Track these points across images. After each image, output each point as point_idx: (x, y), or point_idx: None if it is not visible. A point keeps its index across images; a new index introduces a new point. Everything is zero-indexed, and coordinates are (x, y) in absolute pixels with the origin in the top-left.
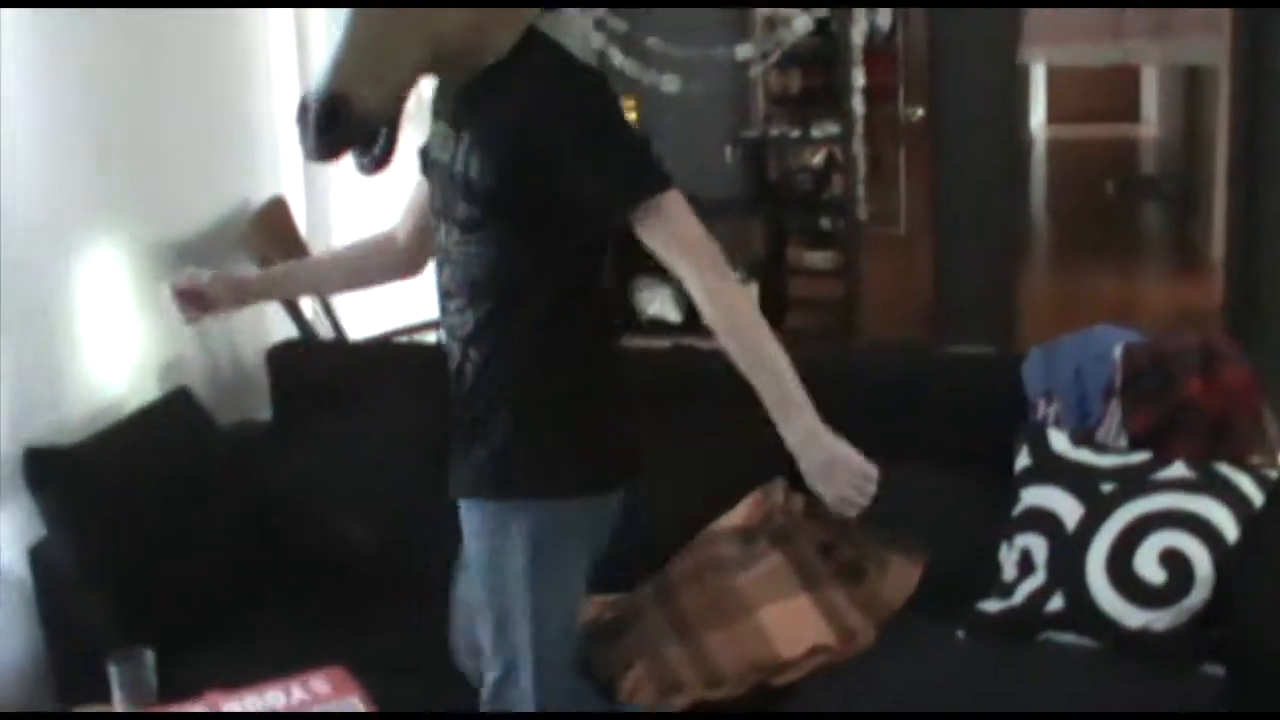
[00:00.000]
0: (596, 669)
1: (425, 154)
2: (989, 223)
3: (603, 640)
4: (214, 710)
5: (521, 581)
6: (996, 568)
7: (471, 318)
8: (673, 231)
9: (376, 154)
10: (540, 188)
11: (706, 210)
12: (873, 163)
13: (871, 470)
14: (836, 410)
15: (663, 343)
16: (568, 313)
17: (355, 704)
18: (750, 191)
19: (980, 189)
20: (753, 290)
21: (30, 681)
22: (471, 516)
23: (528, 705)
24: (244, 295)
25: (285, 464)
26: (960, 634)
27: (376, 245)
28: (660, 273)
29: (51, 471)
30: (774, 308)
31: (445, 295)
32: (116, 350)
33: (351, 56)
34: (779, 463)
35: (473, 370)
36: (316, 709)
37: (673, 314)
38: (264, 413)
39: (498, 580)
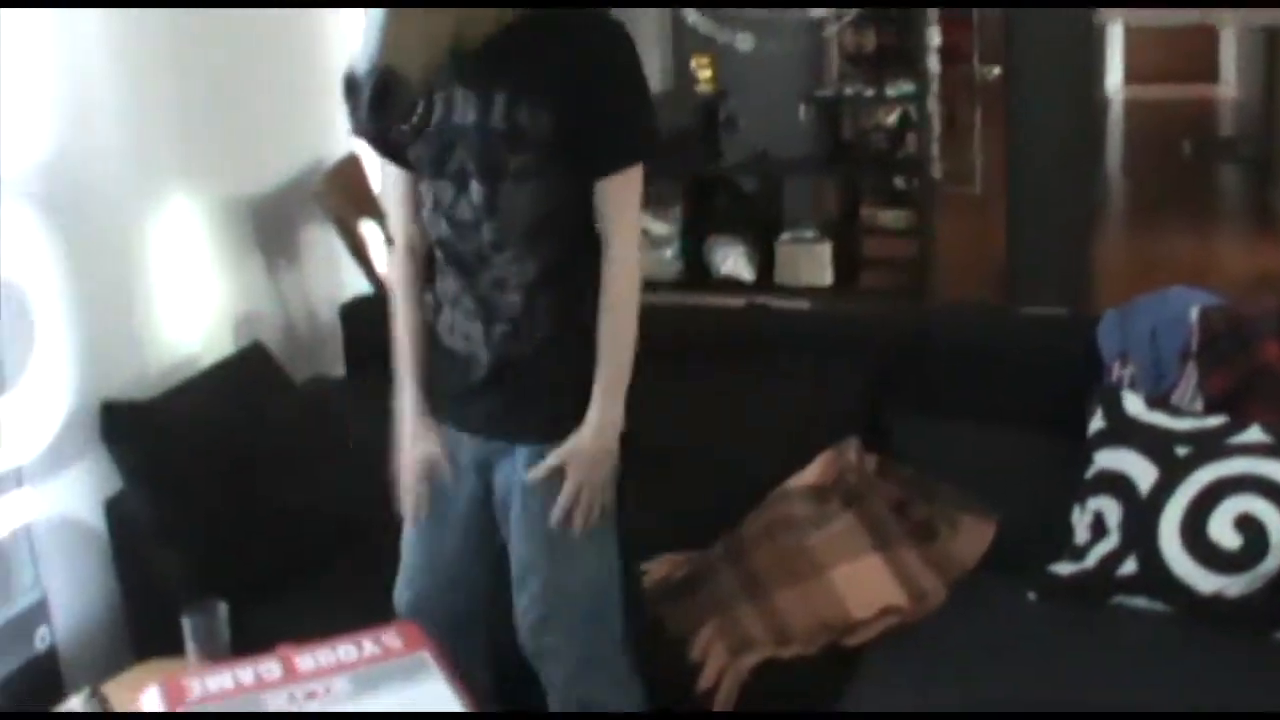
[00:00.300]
0: (667, 627)
1: (415, 128)
2: (1064, 183)
3: (674, 598)
4: (285, 661)
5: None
6: (1069, 530)
7: (534, 265)
8: (630, 199)
9: (415, 124)
10: (585, 131)
11: (780, 169)
12: (947, 122)
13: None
14: (909, 371)
15: (735, 301)
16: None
17: (426, 659)
18: (824, 150)
19: (1056, 149)
20: (825, 250)
21: (106, 634)
22: (533, 458)
23: (606, 630)
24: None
25: (359, 419)
26: (1031, 596)
27: (416, 276)
28: (733, 231)
29: (127, 426)
30: (847, 267)
31: (488, 250)
32: (192, 305)
33: (397, 30)
34: (852, 422)
35: (546, 313)
36: (388, 664)
37: (745, 272)
38: (338, 368)
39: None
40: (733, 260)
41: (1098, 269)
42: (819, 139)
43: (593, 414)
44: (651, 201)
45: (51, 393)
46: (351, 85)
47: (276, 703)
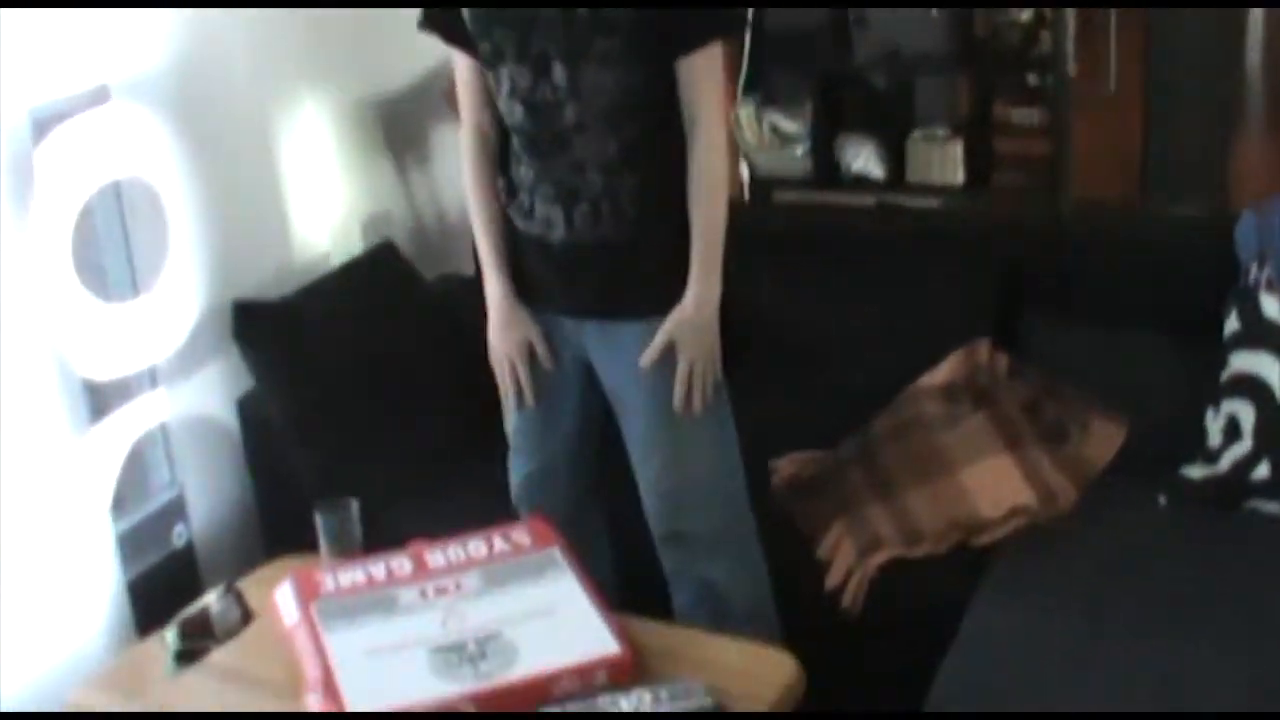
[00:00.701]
0: (797, 525)
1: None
2: (1202, 80)
3: (802, 497)
4: (416, 558)
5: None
6: (1202, 433)
7: (614, 145)
8: (713, 77)
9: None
10: (666, 10)
11: (911, 66)
12: (1083, 18)
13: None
14: (1043, 270)
15: (866, 199)
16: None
17: (556, 555)
18: (956, 47)
19: (1194, 46)
20: (957, 148)
21: (241, 531)
22: (641, 335)
23: (734, 496)
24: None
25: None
26: (1162, 500)
27: (489, 163)
28: (864, 128)
29: (259, 325)
30: (979, 165)
31: (569, 132)
32: (323, 206)
33: None
34: (983, 322)
35: (627, 193)
36: (518, 560)
37: (876, 170)
38: (467, 266)
39: (669, 389)
40: (863, 158)
41: (1236, 167)
42: (951, 36)
43: (691, 288)
44: (781, 99)
45: (184, 294)
46: None
47: (407, 598)
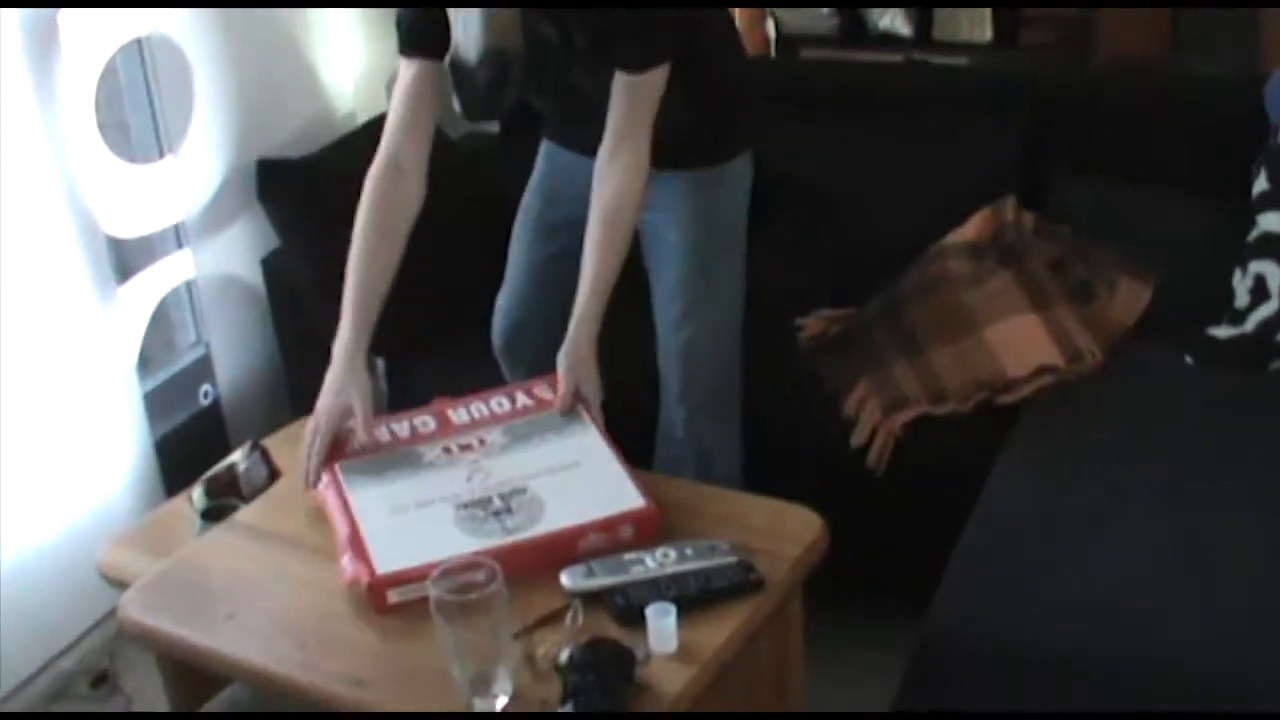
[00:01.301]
0: (823, 382)
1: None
2: None
3: (829, 354)
4: (440, 415)
5: (733, 232)
6: (1229, 293)
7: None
8: (650, 100)
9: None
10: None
11: None
12: None
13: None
14: (1070, 129)
15: (894, 57)
16: None
17: (579, 410)
18: None
19: None
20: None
21: (267, 389)
22: (677, 182)
23: (734, 357)
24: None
25: (516, 176)
26: (1189, 359)
27: (397, 203)
28: None
29: (282, 183)
30: (1007, 23)
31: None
32: (347, 63)
33: (495, 12)
34: (1010, 180)
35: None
36: (541, 416)
37: (903, 28)
38: (492, 124)
39: (707, 236)
40: (890, 15)
41: (1267, 27)
42: None
43: (584, 327)
44: None
45: (209, 152)
46: (462, 73)
47: (431, 454)
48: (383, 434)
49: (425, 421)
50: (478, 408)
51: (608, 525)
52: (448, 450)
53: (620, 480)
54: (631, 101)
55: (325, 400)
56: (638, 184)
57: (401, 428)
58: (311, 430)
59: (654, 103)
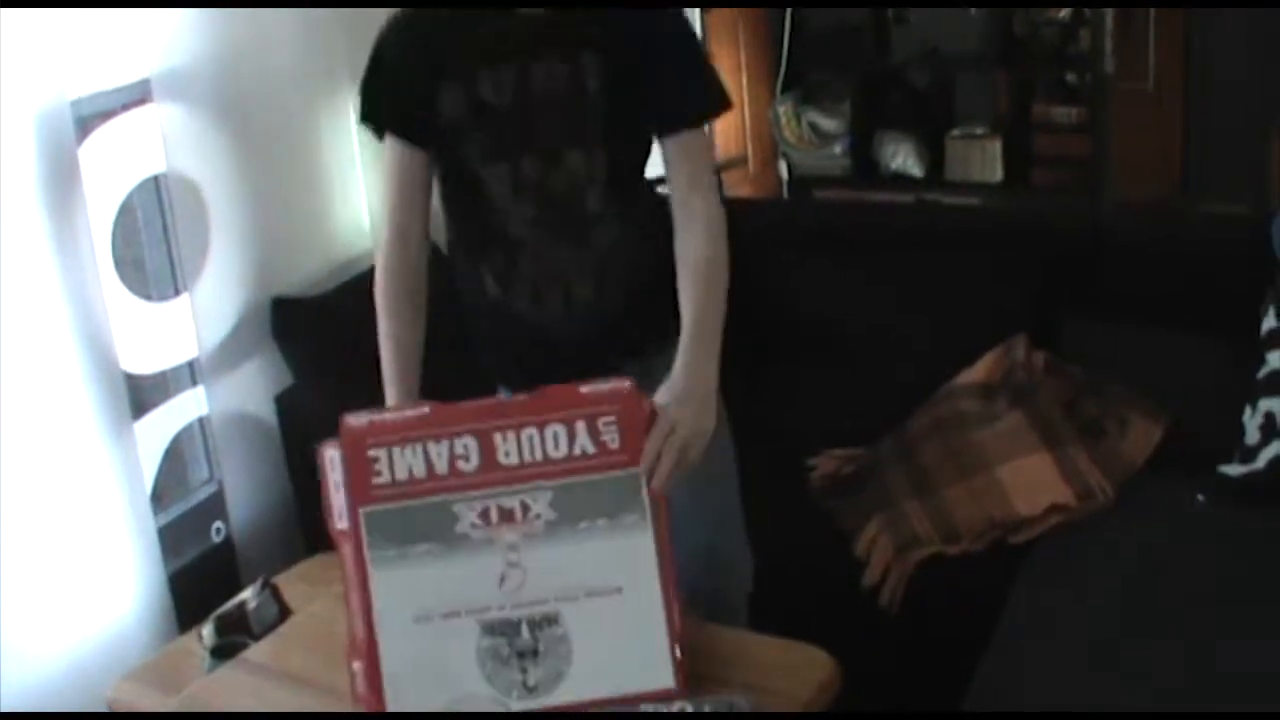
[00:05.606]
0: (835, 521)
1: (481, 102)
2: (1242, 78)
3: (841, 494)
4: None
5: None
6: (1240, 431)
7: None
8: (708, 155)
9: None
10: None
11: (949, 64)
12: (1121, 16)
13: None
14: (1080, 269)
15: (905, 197)
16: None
17: (638, 484)
18: (995, 46)
19: (1233, 43)
20: (995, 146)
21: (279, 527)
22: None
23: (737, 516)
24: None
25: None
26: (1200, 498)
27: (410, 275)
28: (902, 126)
29: (298, 322)
30: (1018, 165)
31: (591, 218)
32: (363, 202)
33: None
34: (1021, 319)
35: (626, 250)
36: (598, 478)
37: (915, 168)
38: None
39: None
40: (902, 156)
41: (1277, 166)
42: (990, 34)
43: (688, 378)
44: (820, 97)
45: (225, 290)
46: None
47: (466, 520)
48: (418, 464)
49: (466, 447)
50: (529, 438)
51: (628, 700)
52: (485, 517)
53: (656, 641)
54: (691, 157)
55: None
56: (719, 246)
57: (439, 454)
58: None
59: (709, 163)
